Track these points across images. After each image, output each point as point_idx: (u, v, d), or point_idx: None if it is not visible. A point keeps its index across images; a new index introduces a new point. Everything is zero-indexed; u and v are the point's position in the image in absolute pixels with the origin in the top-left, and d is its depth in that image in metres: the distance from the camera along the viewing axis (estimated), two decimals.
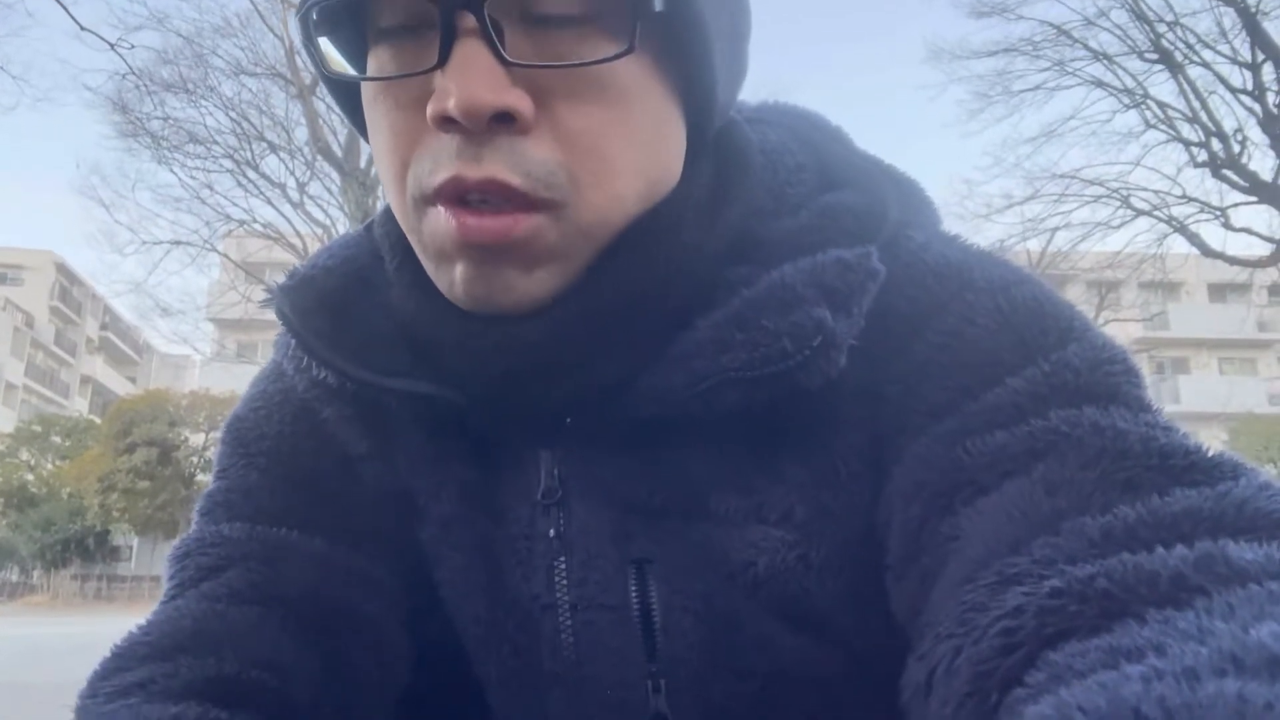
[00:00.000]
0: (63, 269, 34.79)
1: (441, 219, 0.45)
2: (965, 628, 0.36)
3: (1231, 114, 11.46)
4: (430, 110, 0.43)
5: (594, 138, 0.45)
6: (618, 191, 0.46)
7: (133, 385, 35.13)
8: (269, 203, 14.05)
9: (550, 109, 0.44)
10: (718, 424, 0.49)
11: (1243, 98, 10.99)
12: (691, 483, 0.50)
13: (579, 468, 0.51)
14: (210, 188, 14.04)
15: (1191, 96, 11.34)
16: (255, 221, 14.24)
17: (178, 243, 14.43)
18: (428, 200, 0.45)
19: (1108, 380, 0.45)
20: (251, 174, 13.88)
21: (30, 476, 25.21)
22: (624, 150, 0.45)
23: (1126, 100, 12.17)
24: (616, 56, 0.43)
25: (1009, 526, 0.39)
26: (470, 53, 0.42)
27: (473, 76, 0.42)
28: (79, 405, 34.63)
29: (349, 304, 0.54)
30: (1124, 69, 11.88)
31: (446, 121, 0.42)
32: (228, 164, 13.84)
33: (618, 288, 0.47)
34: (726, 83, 0.50)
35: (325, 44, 0.47)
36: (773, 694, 0.49)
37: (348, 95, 0.51)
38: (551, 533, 0.51)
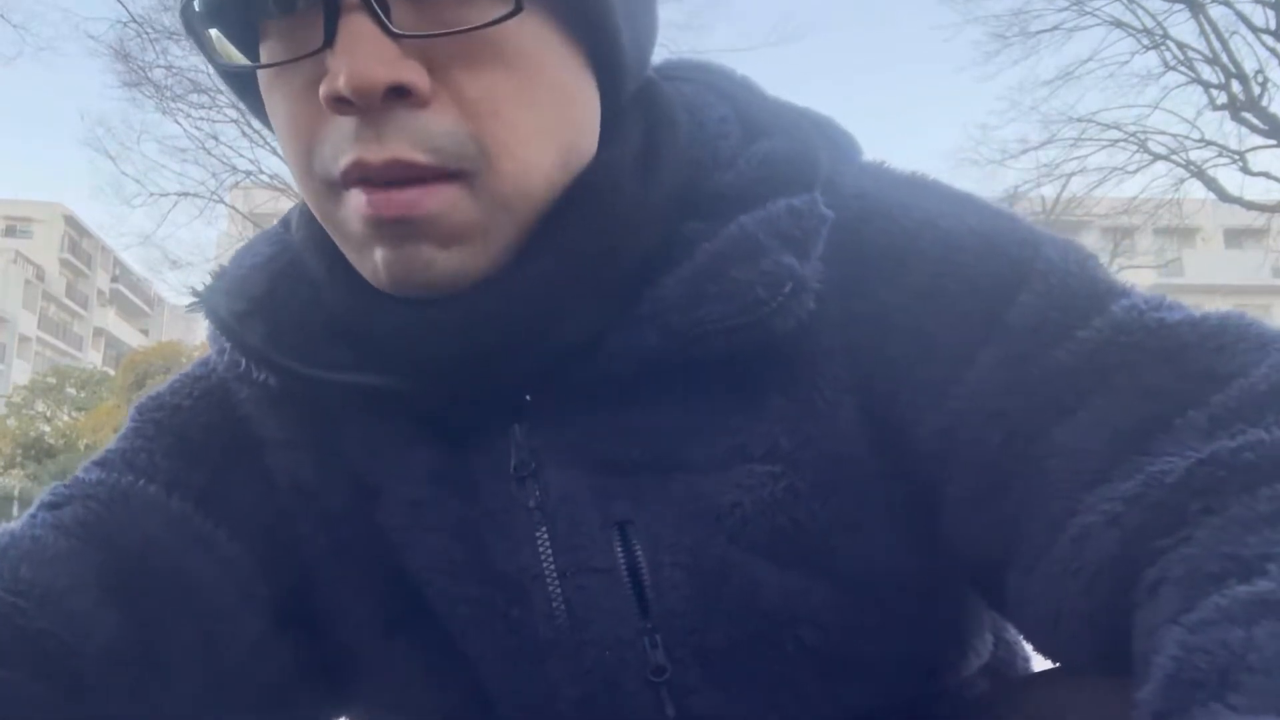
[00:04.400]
0: (71, 221, 34.83)
1: (352, 202, 0.44)
2: (1110, 508, 0.40)
3: (1253, 54, 11.17)
4: (322, 92, 0.41)
5: (496, 103, 0.43)
6: (530, 158, 0.45)
7: (145, 338, 35.37)
8: (274, 153, 13.97)
9: (448, 79, 0.43)
10: (689, 374, 0.49)
11: (1265, 37, 10.73)
12: (667, 435, 0.50)
13: (550, 437, 0.51)
14: (215, 138, 13.98)
15: (1212, 37, 11.08)
16: (262, 172, 14.19)
17: (185, 194, 14.41)
18: (335, 188, 0.44)
19: (1097, 269, 0.49)
20: (256, 124, 13.77)
21: (47, 428, 25.55)
22: (530, 115, 0.44)
23: (1146, 41, 11.88)
24: (504, 18, 0.41)
25: (1114, 442, 0.42)
26: (356, 28, 0.41)
27: (361, 53, 0.40)
28: (92, 358, 34.91)
29: (282, 303, 0.52)
30: (1144, 8, 11.59)
31: (340, 103, 0.41)
32: (232, 114, 13.74)
33: (560, 257, 0.46)
34: (634, 39, 0.49)
35: (216, 36, 0.46)
36: (766, 634, 0.50)
37: (249, 88, 0.49)
38: (531, 503, 0.50)
